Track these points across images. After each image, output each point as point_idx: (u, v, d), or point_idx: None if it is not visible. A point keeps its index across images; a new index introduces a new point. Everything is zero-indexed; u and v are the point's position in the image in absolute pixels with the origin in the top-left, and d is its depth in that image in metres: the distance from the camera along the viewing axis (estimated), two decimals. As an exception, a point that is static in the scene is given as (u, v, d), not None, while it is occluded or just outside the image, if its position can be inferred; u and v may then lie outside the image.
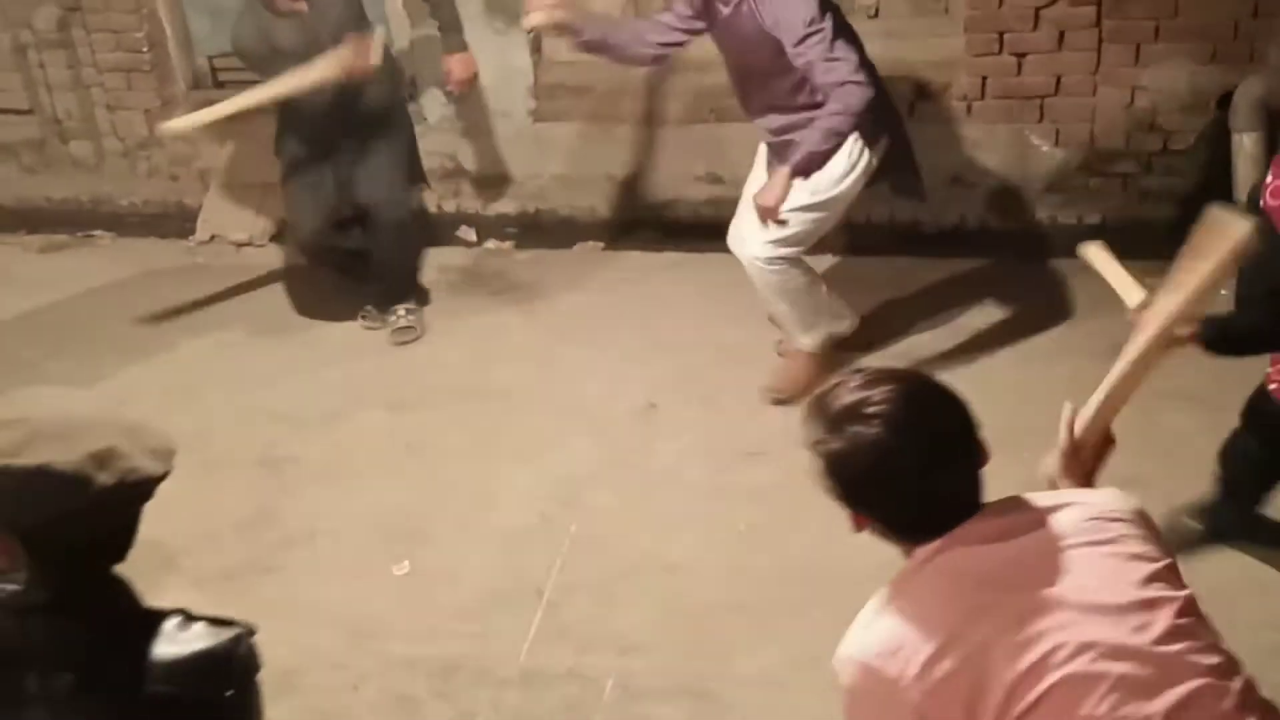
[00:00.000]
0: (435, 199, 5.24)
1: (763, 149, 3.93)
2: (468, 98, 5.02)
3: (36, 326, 4.83)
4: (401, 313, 4.61)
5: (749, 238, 3.79)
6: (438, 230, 5.24)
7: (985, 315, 4.37)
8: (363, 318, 4.69)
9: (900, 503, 1.75)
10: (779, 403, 3.93)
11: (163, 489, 1.66)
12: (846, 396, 1.75)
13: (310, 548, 3.58)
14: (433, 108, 5.16)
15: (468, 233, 5.29)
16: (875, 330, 4.23)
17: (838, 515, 1.81)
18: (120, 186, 5.58)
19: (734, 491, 3.62)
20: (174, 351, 4.64)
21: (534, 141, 5.12)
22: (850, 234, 4.65)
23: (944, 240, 4.76)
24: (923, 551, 1.74)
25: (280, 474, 3.90)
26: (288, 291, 4.99)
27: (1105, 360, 2.22)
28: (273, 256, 5.26)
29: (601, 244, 5.13)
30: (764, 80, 3.68)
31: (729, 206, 4.84)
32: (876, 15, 4.75)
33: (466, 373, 4.38)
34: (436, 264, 5.09)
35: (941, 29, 4.67)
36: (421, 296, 4.79)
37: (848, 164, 3.67)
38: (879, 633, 1.70)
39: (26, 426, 1.62)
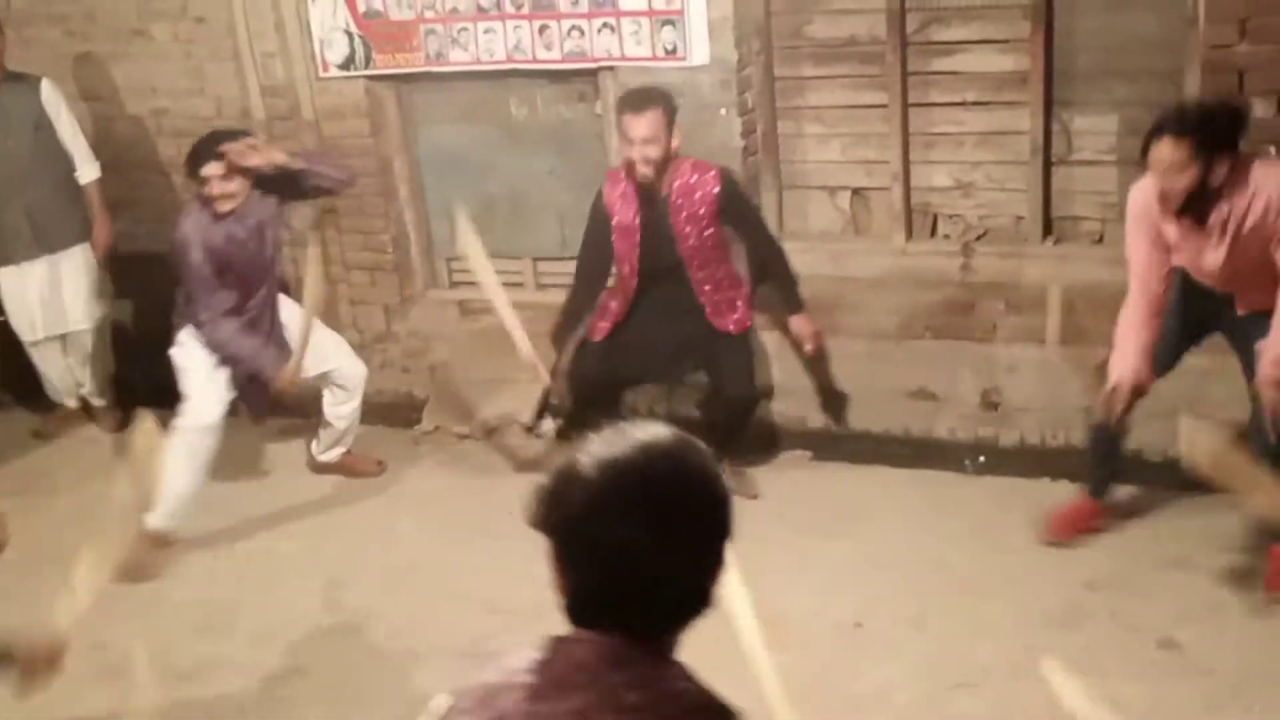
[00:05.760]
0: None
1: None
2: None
3: (265, 503, 5.09)
4: None
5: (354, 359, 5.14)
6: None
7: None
8: None
9: None
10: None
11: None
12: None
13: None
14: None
15: (678, 437, 5.36)
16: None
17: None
18: (356, 376, 5.89)
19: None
20: (393, 533, 4.83)
21: (748, 351, 5.20)
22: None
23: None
24: None
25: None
26: (505, 487, 5.03)
27: None
28: (489, 451, 5.44)
29: (810, 454, 5.14)
30: None
31: (942, 423, 4.84)
32: (1101, 241, 4.73)
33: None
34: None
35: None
36: None
37: None
38: None
39: None
